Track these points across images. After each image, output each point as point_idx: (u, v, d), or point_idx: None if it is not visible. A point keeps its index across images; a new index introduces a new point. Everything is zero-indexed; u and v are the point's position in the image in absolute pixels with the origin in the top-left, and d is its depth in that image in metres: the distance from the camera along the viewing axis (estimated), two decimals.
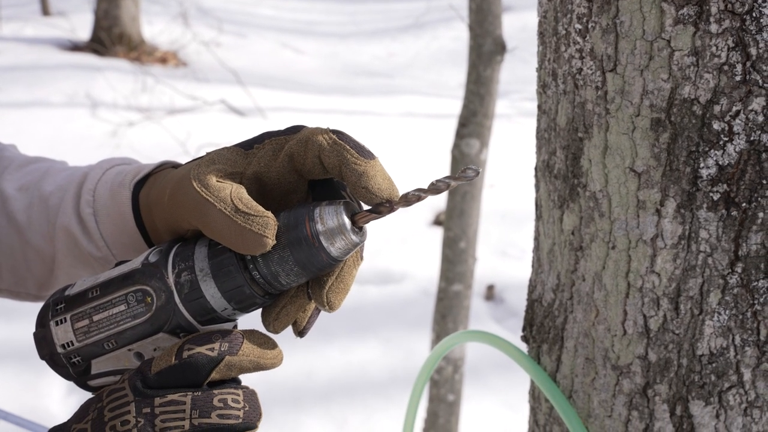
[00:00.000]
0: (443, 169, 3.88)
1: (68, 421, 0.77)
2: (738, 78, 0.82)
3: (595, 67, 0.90)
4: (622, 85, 0.88)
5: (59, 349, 0.79)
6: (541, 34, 1.00)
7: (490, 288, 4.91)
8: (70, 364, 0.80)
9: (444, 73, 9.35)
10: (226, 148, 0.78)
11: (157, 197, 0.84)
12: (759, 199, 0.84)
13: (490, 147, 3.09)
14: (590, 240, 0.95)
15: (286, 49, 10.15)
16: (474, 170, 0.74)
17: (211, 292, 0.75)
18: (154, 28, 9.70)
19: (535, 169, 1.05)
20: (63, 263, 0.94)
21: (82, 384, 0.81)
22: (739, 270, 0.86)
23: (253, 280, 0.75)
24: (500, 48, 2.89)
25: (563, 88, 0.95)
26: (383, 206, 0.76)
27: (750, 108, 0.82)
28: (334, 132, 0.76)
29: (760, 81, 0.81)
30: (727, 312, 0.88)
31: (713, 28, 0.82)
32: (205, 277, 0.75)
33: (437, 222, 5.63)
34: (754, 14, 0.80)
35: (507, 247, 5.33)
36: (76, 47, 9.10)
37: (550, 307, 1.03)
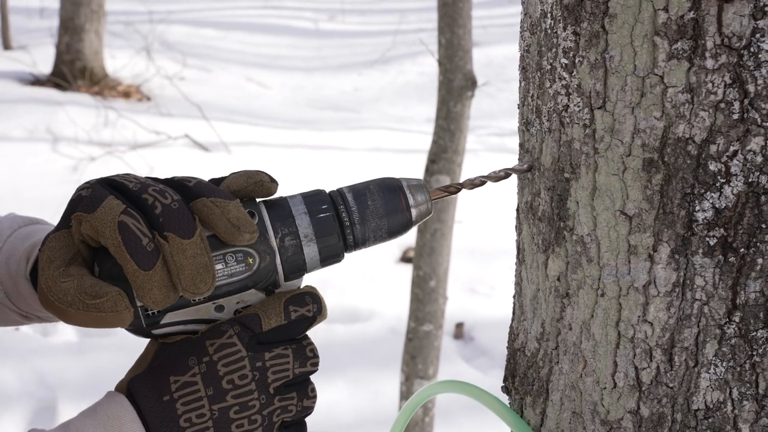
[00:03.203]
0: None
1: (150, 371, 0.81)
2: (735, 116, 0.77)
3: (583, 104, 0.85)
4: (612, 123, 0.83)
5: (138, 302, 0.81)
6: (524, 69, 0.96)
7: (459, 326, 4.85)
8: (144, 316, 0.82)
9: (410, 107, 9.35)
10: (53, 236, 0.81)
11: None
12: (758, 244, 0.79)
13: None
14: (577, 287, 0.90)
15: (251, 84, 10.11)
16: (530, 163, 0.93)
17: (311, 255, 0.85)
18: (117, 62, 9.62)
19: (517, 210, 1.00)
20: None
21: (145, 333, 0.84)
22: (737, 319, 0.81)
23: (345, 243, 0.87)
24: (471, 83, 2.86)
25: (548, 126, 0.90)
26: (453, 187, 0.93)
27: (748, 148, 0.77)
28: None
29: (759, 119, 0.77)
30: (724, 364, 0.83)
31: (709, 63, 0.77)
32: (309, 243, 0.85)
33: (405, 259, 5.58)
34: (752, 49, 0.76)
35: (476, 284, 5.28)
36: (37, 81, 9.00)
37: (534, 357, 0.98)
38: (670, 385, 0.85)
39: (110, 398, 0.82)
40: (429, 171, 3.01)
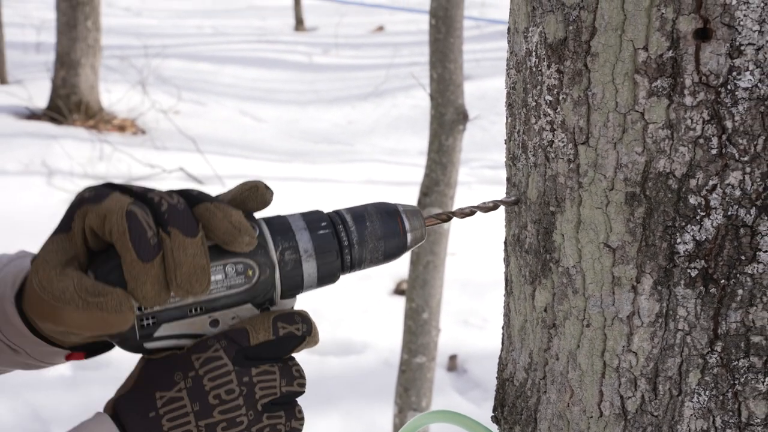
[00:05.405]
0: None
1: (136, 388, 0.80)
2: (714, 151, 0.80)
3: (567, 139, 0.88)
4: (595, 158, 0.86)
5: (135, 311, 0.80)
6: (510, 106, 0.98)
7: (453, 358, 4.85)
8: (138, 326, 0.81)
9: (404, 140, 9.39)
10: (50, 239, 0.79)
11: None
12: (738, 275, 0.81)
13: None
14: (564, 317, 0.92)
15: (246, 117, 10.15)
16: (517, 196, 0.96)
17: (309, 271, 0.85)
18: (113, 96, 9.66)
19: (505, 243, 1.02)
20: None
21: (137, 347, 0.82)
22: (719, 349, 0.83)
23: (342, 263, 0.87)
24: (462, 117, 2.89)
25: (534, 160, 0.93)
26: (444, 215, 0.96)
27: (727, 182, 0.80)
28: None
29: (737, 154, 0.79)
30: (707, 393, 0.84)
31: (688, 100, 0.80)
32: (308, 258, 0.85)
33: (398, 291, 5.58)
34: (729, 87, 0.78)
35: (468, 316, 5.29)
36: (33, 115, 9.02)
37: (522, 386, 0.99)
38: (655, 413, 0.87)
39: (95, 419, 0.80)
40: (421, 204, 3.03)
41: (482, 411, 4.22)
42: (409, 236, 0.89)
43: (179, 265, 0.76)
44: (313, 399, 4.27)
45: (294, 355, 0.86)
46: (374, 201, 0.92)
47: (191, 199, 0.81)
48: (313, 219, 0.86)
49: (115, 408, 0.80)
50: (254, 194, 0.84)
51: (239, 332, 0.82)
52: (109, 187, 0.80)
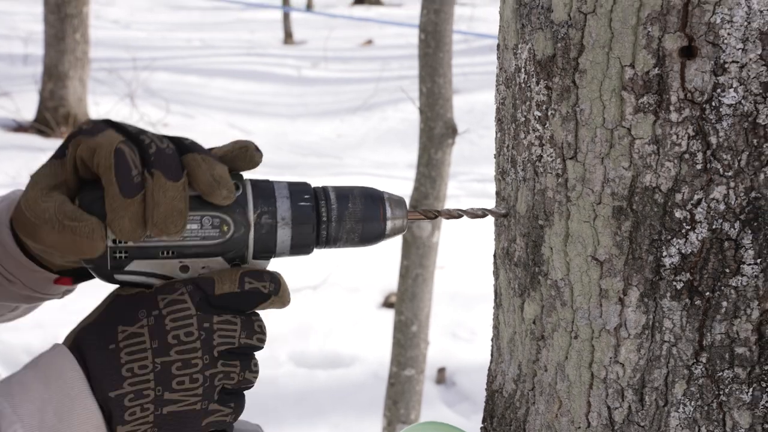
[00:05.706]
0: (394, 252, 3.85)
1: (100, 321, 0.83)
2: (699, 166, 0.81)
3: (555, 154, 0.89)
4: (583, 172, 0.87)
5: (109, 243, 0.83)
6: (500, 121, 1.00)
7: (441, 371, 4.86)
8: (111, 257, 0.84)
9: (393, 153, 9.42)
10: (44, 163, 0.84)
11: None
12: (722, 288, 0.83)
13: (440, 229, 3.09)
14: (552, 329, 0.93)
15: (234, 130, 10.15)
16: (506, 209, 0.97)
17: (283, 238, 0.87)
18: (101, 109, 9.66)
19: (494, 256, 1.04)
20: None
21: (108, 276, 0.85)
22: (704, 360, 0.85)
23: (318, 238, 0.89)
24: (451, 131, 2.91)
25: (523, 175, 0.94)
26: (431, 212, 0.96)
27: (711, 196, 0.82)
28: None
29: (721, 169, 0.81)
30: (693, 403, 0.86)
31: (673, 116, 0.81)
32: (284, 226, 0.87)
33: (387, 304, 5.59)
34: (713, 103, 0.80)
35: (457, 328, 5.30)
36: (20, 128, 9.01)
37: (512, 398, 1.01)
38: (642, 424, 0.88)
39: (53, 349, 0.83)
40: None
41: (471, 423, 4.23)
42: (388, 224, 0.91)
43: (157, 204, 0.80)
44: (301, 412, 4.27)
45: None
46: (365, 185, 0.94)
47: (182, 147, 0.84)
48: (297, 189, 0.89)
49: (77, 339, 0.83)
50: (244, 153, 0.87)
51: (206, 280, 0.84)
52: (107, 124, 0.83)
